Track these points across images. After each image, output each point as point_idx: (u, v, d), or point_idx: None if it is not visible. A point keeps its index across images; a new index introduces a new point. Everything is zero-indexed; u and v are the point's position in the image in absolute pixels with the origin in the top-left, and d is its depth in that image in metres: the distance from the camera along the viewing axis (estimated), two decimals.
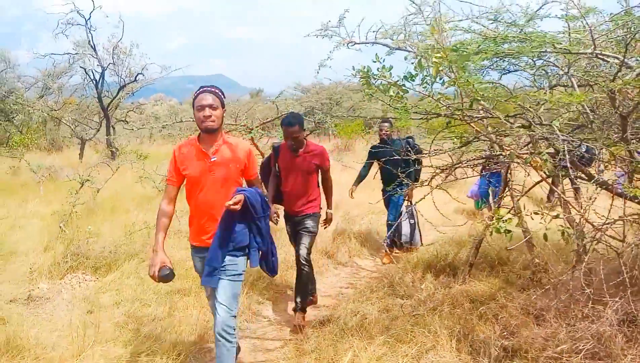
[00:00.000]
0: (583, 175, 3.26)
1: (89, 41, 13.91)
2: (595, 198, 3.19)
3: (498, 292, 4.30)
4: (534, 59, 3.89)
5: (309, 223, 4.52)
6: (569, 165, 2.42)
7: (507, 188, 4.37)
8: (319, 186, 4.69)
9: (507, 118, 3.05)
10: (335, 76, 5.09)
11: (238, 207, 2.94)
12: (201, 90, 3.15)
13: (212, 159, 3.07)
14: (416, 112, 3.07)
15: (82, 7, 13.47)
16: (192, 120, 7.02)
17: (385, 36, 5.37)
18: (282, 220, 4.80)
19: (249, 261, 3.20)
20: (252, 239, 3.12)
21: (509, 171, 4.35)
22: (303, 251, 4.42)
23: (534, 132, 2.83)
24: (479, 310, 3.92)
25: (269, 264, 3.30)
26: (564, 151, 2.44)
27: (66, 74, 16.07)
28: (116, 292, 5.11)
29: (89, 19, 13.62)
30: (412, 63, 3.15)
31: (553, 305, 3.32)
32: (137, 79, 15.24)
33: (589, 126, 3.68)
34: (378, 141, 6.48)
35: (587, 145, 3.09)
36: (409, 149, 5.67)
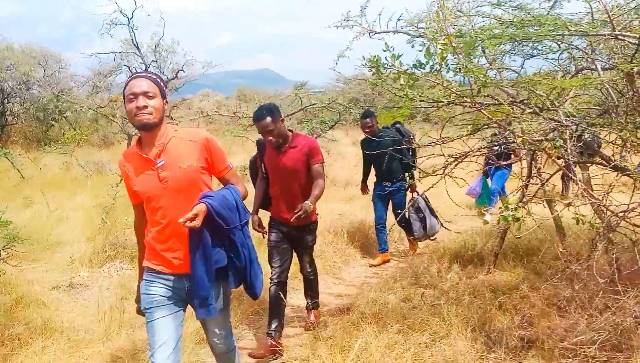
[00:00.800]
0: (602, 161, 3.15)
1: (132, 40, 14.47)
2: (614, 185, 3.09)
3: (522, 282, 4.22)
4: (558, 43, 3.78)
5: (308, 238, 4.01)
6: (569, 149, 2.36)
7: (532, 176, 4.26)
8: None
9: (515, 104, 2.98)
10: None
11: (196, 223, 2.21)
12: (132, 76, 2.43)
13: (159, 164, 2.35)
14: (424, 100, 3.05)
15: (125, 7, 14.04)
16: (229, 114, 7.23)
17: (411, 24, 5.32)
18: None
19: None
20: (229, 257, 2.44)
21: (534, 159, 4.25)
22: (305, 267, 4.16)
23: (540, 116, 2.76)
24: (498, 300, 3.87)
25: (248, 285, 2.56)
26: (562, 134, 2.38)
27: (113, 73, 16.79)
28: None
29: (131, 18, 14.15)
30: (420, 51, 3.13)
31: (567, 295, 3.23)
32: (178, 75, 15.71)
33: (615, 110, 3.54)
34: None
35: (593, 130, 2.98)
36: (402, 137, 5.50)
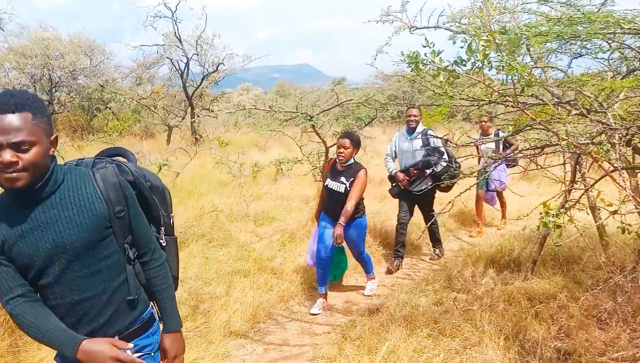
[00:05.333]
0: None
1: (175, 33, 14.73)
2: None
3: (561, 291, 4.05)
4: (609, 41, 3.59)
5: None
6: (618, 153, 2.22)
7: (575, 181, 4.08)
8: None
9: (560, 104, 2.84)
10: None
11: None
12: None
13: None
14: (464, 98, 2.95)
15: (169, 1, 14.32)
16: (265, 108, 7.24)
17: (453, 20, 5.19)
18: None
19: None
20: None
21: (579, 163, 4.07)
22: None
23: (587, 118, 2.61)
24: (534, 308, 3.73)
25: None
26: (610, 138, 2.24)
27: (156, 65, 17.17)
28: (182, 269, 5.39)
29: (175, 11, 14.42)
30: (462, 47, 3.03)
31: (608, 307, 3.07)
32: (218, 68, 15.91)
33: None
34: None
35: None
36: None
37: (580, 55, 3.89)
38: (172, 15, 14.64)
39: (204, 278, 5.08)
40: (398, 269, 5.62)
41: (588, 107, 2.71)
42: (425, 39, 3.18)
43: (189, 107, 16.53)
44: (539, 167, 3.56)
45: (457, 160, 5.35)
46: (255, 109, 5.89)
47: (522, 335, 3.44)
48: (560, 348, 3.24)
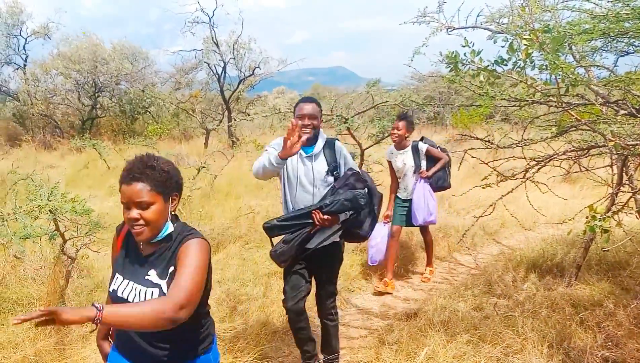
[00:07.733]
0: None
1: (212, 38, 15.02)
2: None
3: (607, 298, 3.90)
4: None
5: None
6: None
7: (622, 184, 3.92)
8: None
9: (607, 104, 2.73)
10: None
11: None
12: None
13: None
14: (505, 99, 2.87)
15: (206, 6, 14.63)
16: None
17: (492, 19, 5.07)
18: None
19: None
20: None
21: (626, 165, 3.91)
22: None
23: (638, 118, 2.50)
24: (579, 315, 3.60)
25: None
26: None
27: (194, 70, 17.55)
28: (220, 271, 5.46)
29: (212, 17, 14.70)
30: (502, 47, 2.96)
31: None
32: (254, 72, 16.12)
33: None
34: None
35: None
36: None
37: (627, 53, 3.75)
38: (210, 21, 14.92)
39: (242, 279, 5.14)
40: None
41: (637, 107, 2.60)
42: (465, 38, 3.12)
43: (226, 111, 16.79)
44: (584, 169, 3.44)
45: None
46: (291, 112, 5.89)
47: (566, 342, 3.33)
48: (608, 358, 3.12)
